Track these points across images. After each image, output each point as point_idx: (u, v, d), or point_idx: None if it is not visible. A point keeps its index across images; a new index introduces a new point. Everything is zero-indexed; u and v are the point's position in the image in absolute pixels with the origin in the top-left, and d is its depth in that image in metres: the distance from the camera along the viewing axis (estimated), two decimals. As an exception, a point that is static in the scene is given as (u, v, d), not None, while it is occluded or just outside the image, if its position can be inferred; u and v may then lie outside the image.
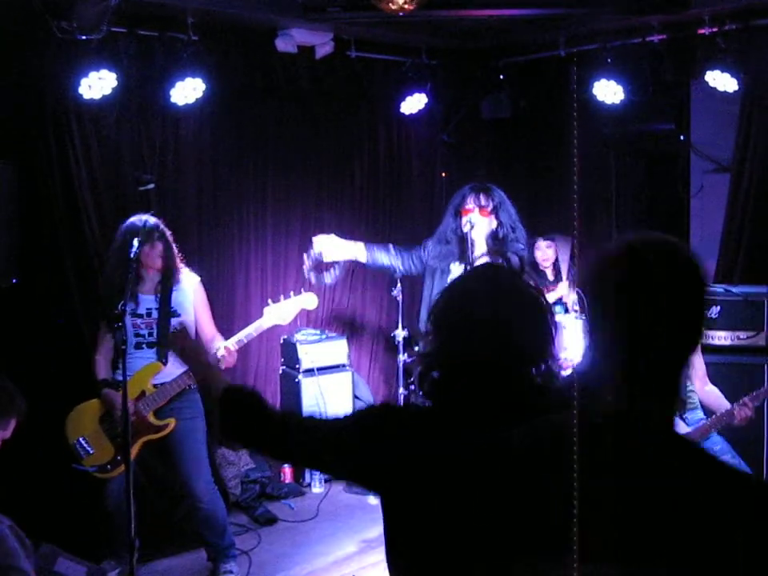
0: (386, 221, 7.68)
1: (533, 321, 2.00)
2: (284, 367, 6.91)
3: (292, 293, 5.09)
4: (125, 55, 5.79)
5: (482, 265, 2.13)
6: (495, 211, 5.35)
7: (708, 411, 5.06)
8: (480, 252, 5.26)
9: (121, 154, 6.13)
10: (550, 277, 7.51)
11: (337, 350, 6.87)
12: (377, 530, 5.80)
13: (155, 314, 4.92)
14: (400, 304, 6.62)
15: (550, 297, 7.32)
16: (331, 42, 6.77)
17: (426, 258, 5.57)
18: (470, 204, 5.33)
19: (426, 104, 7.29)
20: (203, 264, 6.47)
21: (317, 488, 6.66)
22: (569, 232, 7.39)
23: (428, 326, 2.06)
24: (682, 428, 4.92)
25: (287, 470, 6.76)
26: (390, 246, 5.75)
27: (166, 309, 4.92)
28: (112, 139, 6.08)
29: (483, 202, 5.34)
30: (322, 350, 6.75)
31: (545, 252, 7.42)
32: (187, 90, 5.97)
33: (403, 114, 7.33)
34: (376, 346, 7.67)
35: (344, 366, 6.87)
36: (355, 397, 6.91)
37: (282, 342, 6.96)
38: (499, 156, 8.06)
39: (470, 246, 5.18)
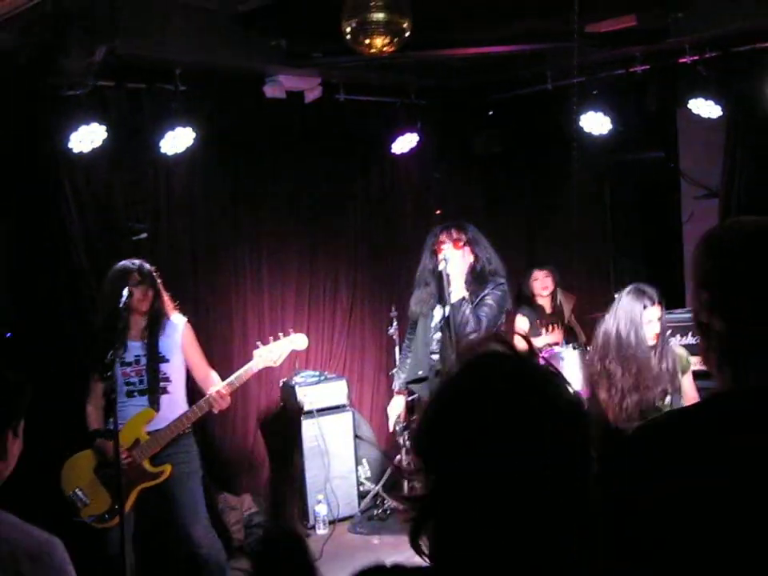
0: (381, 262, 7.74)
1: (573, 449, 1.34)
2: (285, 409, 6.93)
3: (281, 334, 5.14)
4: (114, 108, 5.89)
5: (488, 355, 1.42)
6: (470, 245, 5.34)
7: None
8: (457, 288, 5.21)
9: (113, 205, 6.21)
10: (548, 309, 7.51)
11: (336, 390, 6.89)
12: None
13: (143, 361, 4.94)
14: (396, 342, 6.65)
15: (548, 339, 7.31)
16: (319, 87, 6.87)
17: (412, 307, 5.57)
18: (443, 238, 5.33)
19: (417, 143, 7.37)
20: (200, 310, 6.56)
21: (321, 530, 6.65)
22: (565, 263, 7.45)
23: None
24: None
25: (291, 513, 6.76)
26: (404, 354, 5.84)
27: (154, 354, 4.95)
28: (104, 191, 6.17)
29: (455, 236, 5.33)
30: (321, 391, 6.78)
31: (543, 281, 7.43)
32: (177, 140, 6.07)
33: (395, 153, 7.41)
34: (377, 384, 7.69)
35: (344, 406, 6.89)
36: (356, 437, 6.93)
37: (281, 384, 6.99)
38: (492, 191, 8.12)
39: (446, 282, 5.16)
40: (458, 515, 1.33)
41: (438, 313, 5.36)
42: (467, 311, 5.13)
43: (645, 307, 4.75)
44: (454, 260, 5.23)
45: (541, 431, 1.30)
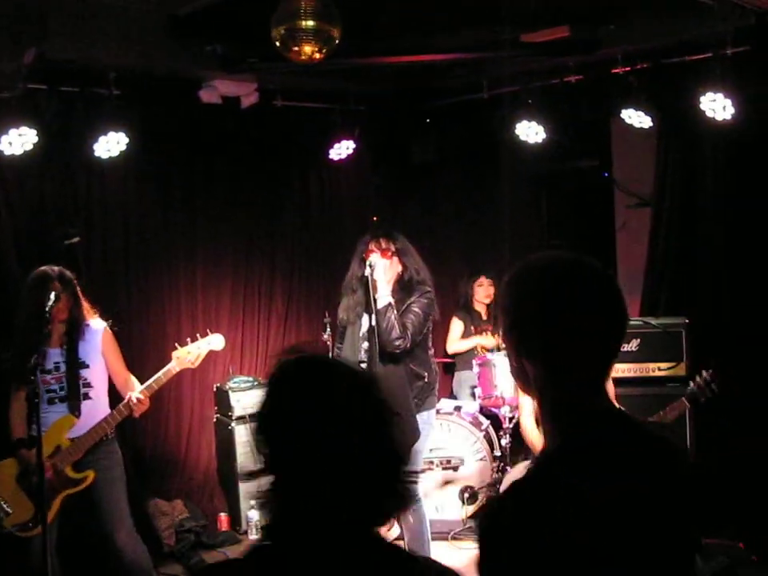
0: (318, 268, 7.76)
1: (380, 440, 1.73)
2: (218, 415, 6.92)
3: (198, 335, 5.14)
4: (46, 111, 5.84)
5: (309, 359, 1.74)
6: (398, 255, 5.35)
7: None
8: (383, 295, 5.22)
9: (46, 209, 6.17)
10: (484, 315, 7.60)
11: (270, 396, 6.87)
12: None
13: (63, 368, 4.90)
14: (330, 348, 6.67)
15: (480, 340, 7.40)
16: (256, 93, 6.87)
17: (339, 315, 5.59)
18: (372, 247, 5.33)
19: (354, 149, 7.39)
20: (133, 314, 6.54)
21: (253, 535, 6.64)
22: (499, 271, 7.51)
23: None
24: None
25: (223, 518, 6.74)
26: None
27: (74, 361, 4.91)
28: (36, 194, 6.12)
29: (384, 245, 5.34)
30: (254, 396, 6.76)
31: (487, 289, 7.52)
32: (111, 144, 6.02)
33: (332, 160, 7.42)
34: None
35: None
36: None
37: (215, 389, 6.98)
38: (429, 198, 8.18)
39: (371, 288, 5.18)
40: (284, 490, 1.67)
41: (365, 321, 5.36)
42: (392, 317, 5.15)
43: None
44: (380, 266, 5.24)
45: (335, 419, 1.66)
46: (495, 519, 1.63)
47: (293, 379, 1.74)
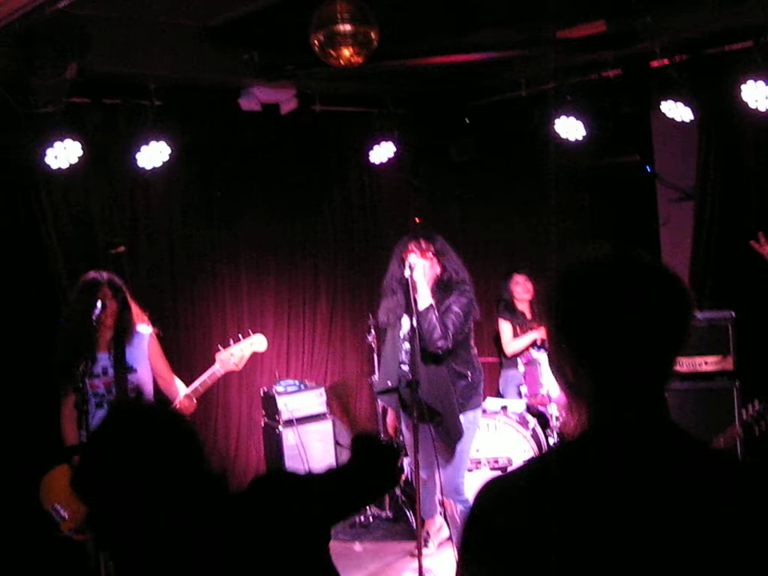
0: (361, 270, 7.79)
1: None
2: (265, 419, 6.98)
3: (241, 336, 5.18)
4: (89, 124, 5.94)
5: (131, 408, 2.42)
6: (437, 256, 5.39)
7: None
8: (424, 296, 5.25)
9: (91, 220, 6.29)
10: (528, 314, 7.54)
11: (316, 399, 6.94)
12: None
13: (111, 372, 4.99)
14: (375, 350, 6.70)
15: (533, 335, 7.33)
16: (295, 98, 6.93)
17: (380, 318, 5.65)
18: (411, 247, 5.37)
19: (394, 152, 7.42)
20: (179, 322, 6.62)
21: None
22: (545, 268, 7.48)
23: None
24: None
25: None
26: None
27: (122, 365, 5.00)
28: (82, 206, 6.25)
29: (423, 246, 5.38)
30: (300, 400, 6.82)
31: (524, 285, 7.45)
32: (153, 154, 6.14)
33: (373, 163, 7.46)
34: (358, 392, 7.72)
35: (324, 414, 6.93)
36: (337, 443, 6.97)
37: (262, 393, 7.04)
38: (470, 197, 8.17)
39: (411, 289, 5.20)
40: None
41: (406, 323, 5.39)
42: (434, 318, 5.18)
43: None
44: (419, 267, 5.27)
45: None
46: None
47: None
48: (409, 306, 5.26)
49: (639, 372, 1.58)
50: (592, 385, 1.60)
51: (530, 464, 1.76)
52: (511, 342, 7.47)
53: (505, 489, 1.65)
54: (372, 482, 2.66)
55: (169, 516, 2.11)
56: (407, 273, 5.23)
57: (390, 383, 5.50)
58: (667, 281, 1.62)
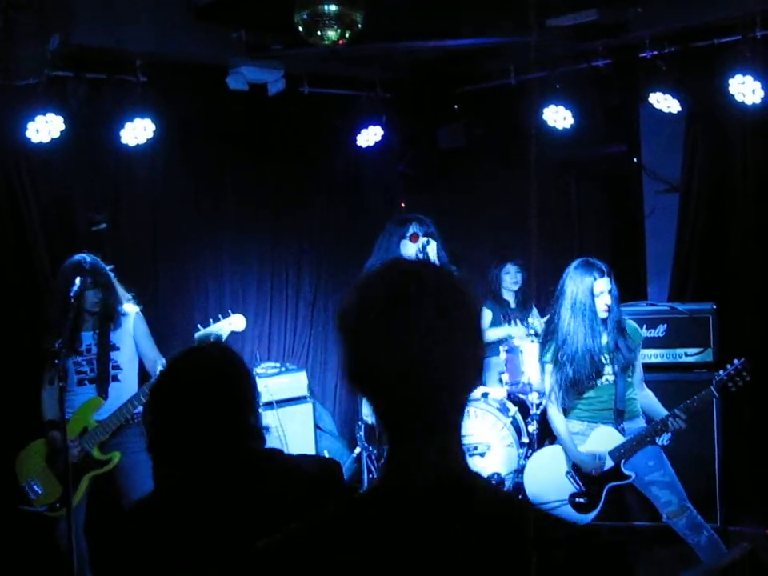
0: (346, 254, 7.75)
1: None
2: (245, 400, 6.94)
3: (220, 315, 5.17)
4: (73, 98, 5.88)
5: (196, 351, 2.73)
6: (435, 238, 5.60)
7: (647, 419, 5.12)
8: None
9: (73, 196, 6.23)
10: (512, 304, 7.52)
11: (297, 382, 6.91)
12: None
13: (95, 350, 5.02)
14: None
15: (510, 330, 7.31)
16: (282, 79, 6.87)
17: None
18: (416, 229, 5.61)
19: (382, 136, 7.38)
20: (160, 301, 6.58)
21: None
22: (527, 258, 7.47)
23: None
24: (616, 438, 4.97)
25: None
26: None
27: (105, 344, 5.01)
28: (63, 182, 6.19)
29: (430, 229, 5.64)
30: (281, 382, 6.80)
31: (514, 276, 7.41)
32: (137, 131, 6.08)
33: (360, 146, 7.42)
34: (339, 376, 7.73)
35: (305, 397, 6.91)
36: (317, 427, 6.95)
37: (242, 375, 7.00)
38: (457, 185, 8.14)
39: None
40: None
41: None
42: None
43: (594, 279, 4.82)
44: (433, 249, 5.48)
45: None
46: None
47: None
48: None
49: (427, 408, 1.38)
50: (383, 426, 1.43)
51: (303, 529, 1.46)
52: (490, 329, 7.47)
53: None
54: None
55: (217, 446, 2.37)
56: (432, 254, 5.41)
57: None
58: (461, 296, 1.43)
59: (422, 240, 5.49)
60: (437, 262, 5.39)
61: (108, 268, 5.16)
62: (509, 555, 1.34)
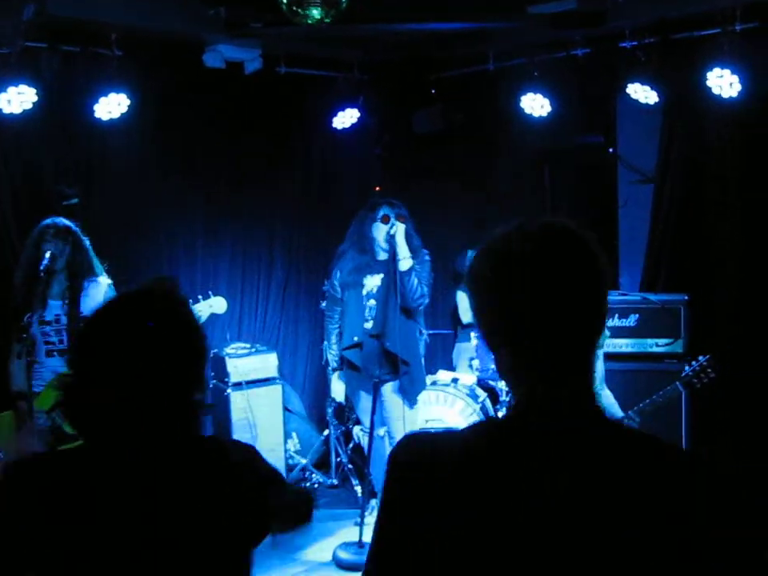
0: (318, 236, 7.72)
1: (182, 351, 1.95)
2: (214, 381, 6.90)
3: (201, 296, 5.12)
4: (47, 70, 5.79)
5: (142, 287, 2.09)
6: (405, 221, 5.66)
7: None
8: (404, 255, 5.55)
9: (44, 169, 6.14)
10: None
11: (267, 363, 6.87)
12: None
13: (64, 320, 4.91)
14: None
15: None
16: (260, 58, 6.80)
17: (340, 279, 5.84)
18: (388, 210, 5.65)
19: (358, 119, 7.34)
20: (130, 278, 6.49)
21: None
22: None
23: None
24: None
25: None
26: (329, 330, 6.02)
27: (75, 314, 4.90)
28: (35, 154, 6.10)
29: (400, 210, 5.69)
30: (251, 363, 6.75)
31: None
32: (112, 105, 6.00)
33: (336, 128, 7.37)
34: (310, 358, 7.71)
35: (274, 379, 6.88)
36: (286, 409, 6.93)
37: (211, 355, 6.95)
38: (432, 170, 8.11)
39: (397, 249, 5.49)
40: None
41: (370, 281, 5.69)
42: (414, 278, 5.53)
43: None
44: (401, 230, 5.56)
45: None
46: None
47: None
48: (386, 264, 5.55)
49: (563, 346, 1.51)
50: (516, 362, 1.53)
51: (455, 431, 1.68)
52: (468, 310, 7.48)
53: (426, 445, 1.60)
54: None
55: (144, 417, 1.87)
56: (394, 232, 5.50)
57: (355, 338, 5.71)
58: (587, 250, 1.54)
59: (394, 222, 5.56)
60: (400, 244, 5.53)
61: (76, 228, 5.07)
62: (649, 480, 1.47)
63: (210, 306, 5.15)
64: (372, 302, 5.66)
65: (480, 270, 1.56)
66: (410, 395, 5.69)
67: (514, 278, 1.51)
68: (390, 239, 5.53)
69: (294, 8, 5.08)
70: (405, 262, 5.53)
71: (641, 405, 4.96)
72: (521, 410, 1.54)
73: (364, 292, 5.70)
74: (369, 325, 5.65)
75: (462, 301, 7.57)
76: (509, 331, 1.53)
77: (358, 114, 7.31)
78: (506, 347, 1.54)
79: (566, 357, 1.52)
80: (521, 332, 1.51)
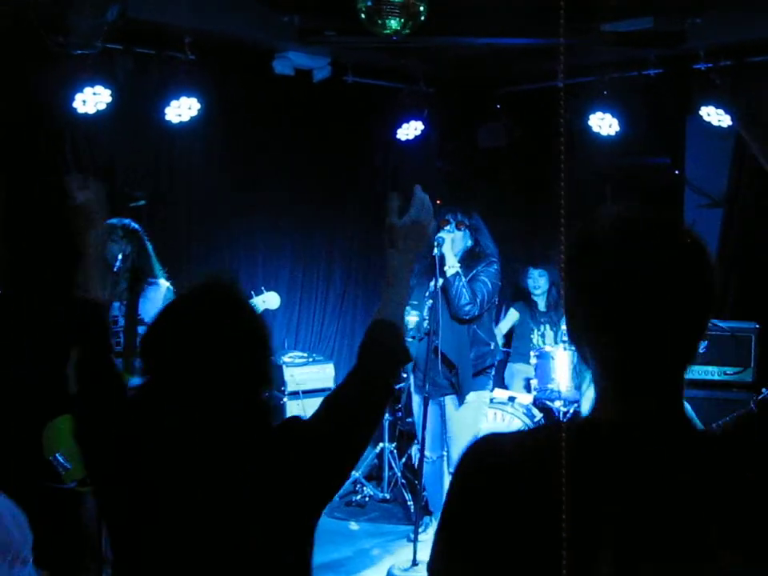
0: (377, 247, 7.66)
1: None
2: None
3: (253, 293, 5.10)
4: (121, 72, 5.84)
5: (202, 285, 2.13)
6: (470, 230, 5.63)
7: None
8: (450, 264, 5.47)
9: (114, 170, 6.17)
10: (542, 307, 7.50)
11: (324, 373, 6.83)
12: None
13: (121, 322, 4.89)
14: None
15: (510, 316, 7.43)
16: (328, 67, 6.81)
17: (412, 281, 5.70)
18: (448, 218, 5.57)
19: (422, 131, 7.33)
20: (191, 281, 6.49)
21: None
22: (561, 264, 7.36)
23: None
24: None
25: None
26: None
27: (133, 316, 4.87)
28: (106, 154, 6.13)
29: (460, 218, 5.60)
30: (308, 372, 6.73)
31: (536, 280, 7.47)
32: (182, 109, 6.03)
33: (399, 139, 7.36)
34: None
35: (330, 389, 6.81)
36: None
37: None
38: (494, 185, 8.06)
39: (438, 264, 5.38)
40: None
41: (432, 284, 5.64)
42: (460, 285, 5.43)
43: None
44: (448, 241, 5.48)
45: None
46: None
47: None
48: (435, 277, 5.46)
49: (662, 347, 1.42)
50: (610, 357, 1.45)
51: (529, 431, 1.65)
52: (504, 328, 7.54)
53: (497, 448, 1.52)
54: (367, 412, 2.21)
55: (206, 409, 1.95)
56: (435, 251, 5.38)
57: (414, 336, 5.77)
58: (696, 248, 1.46)
59: (438, 236, 5.44)
60: (449, 253, 5.47)
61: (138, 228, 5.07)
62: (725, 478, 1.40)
63: (263, 302, 5.15)
64: (431, 301, 5.67)
65: (591, 255, 1.50)
66: (458, 395, 5.67)
67: (636, 288, 1.42)
68: (438, 245, 5.42)
69: (374, 17, 5.06)
70: (449, 270, 5.49)
71: (719, 422, 4.85)
72: (608, 417, 1.46)
73: (426, 293, 5.70)
74: (426, 323, 5.69)
75: (508, 317, 7.59)
76: (609, 335, 1.44)
77: (422, 127, 7.28)
78: (603, 349, 1.46)
79: (662, 369, 1.44)
80: (625, 337, 1.42)
